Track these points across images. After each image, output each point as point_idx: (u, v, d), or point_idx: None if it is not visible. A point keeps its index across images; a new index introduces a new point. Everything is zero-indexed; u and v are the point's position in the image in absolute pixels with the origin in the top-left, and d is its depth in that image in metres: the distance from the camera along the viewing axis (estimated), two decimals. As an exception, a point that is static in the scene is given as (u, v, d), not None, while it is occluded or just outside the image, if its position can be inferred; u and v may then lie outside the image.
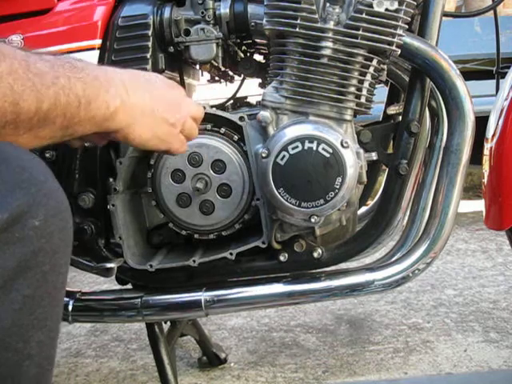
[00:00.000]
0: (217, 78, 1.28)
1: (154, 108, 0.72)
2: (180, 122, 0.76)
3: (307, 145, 0.88)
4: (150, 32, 1.01)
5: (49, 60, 0.60)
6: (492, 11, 1.18)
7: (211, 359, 1.34)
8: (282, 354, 1.39)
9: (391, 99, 1.21)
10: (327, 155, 0.88)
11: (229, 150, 0.97)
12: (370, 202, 1.30)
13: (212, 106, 1.01)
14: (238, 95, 1.24)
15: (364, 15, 0.87)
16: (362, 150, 0.93)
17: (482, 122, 1.06)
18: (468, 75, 1.19)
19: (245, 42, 1.09)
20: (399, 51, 0.91)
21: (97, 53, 1.01)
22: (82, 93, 0.62)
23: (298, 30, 0.88)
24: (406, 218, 1.07)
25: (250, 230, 1.00)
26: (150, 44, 1.01)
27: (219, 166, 0.96)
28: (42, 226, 0.48)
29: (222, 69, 1.14)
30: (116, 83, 0.67)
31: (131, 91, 0.69)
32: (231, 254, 0.97)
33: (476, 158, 1.05)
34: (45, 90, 0.57)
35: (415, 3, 0.91)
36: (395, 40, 0.89)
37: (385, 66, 0.99)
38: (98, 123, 0.65)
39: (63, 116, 0.60)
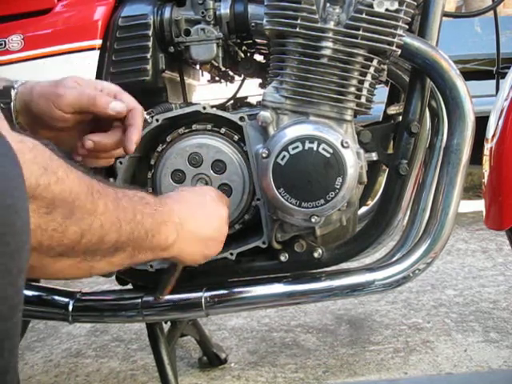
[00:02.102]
0: (217, 78, 1.28)
1: (206, 234, 0.81)
2: (225, 236, 0.85)
3: (307, 145, 0.88)
4: (150, 32, 1.01)
5: (129, 196, 0.68)
6: (492, 11, 1.19)
7: (211, 359, 1.34)
8: (282, 354, 1.39)
9: (391, 99, 1.20)
10: (327, 155, 0.88)
11: (229, 150, 0.97)
12: (370, 202, 1.30)
13: (212, 106, 1.01)
14: (239, 95, 1.25)
15: (364, 15, 0.87)
16: (362, 150, 0.93)
17: (481, 122, 1.06)
18: (468, 75, 1.19)
19: (245, 42, 1.10)
20: (399, 51, 0.91)
21: (97, 53, 1.01)
22: (150, 227, 0.69)
23: (298, 30, 0.88)
24: (406, 218, 1.07)
25: (250, 230, 1.00)
26: (150, 44, 1.01)
27: (219, 166, 0.96)
28: None
29: (223, 69, 1.14)
30: (173, 218, 0.75)
31: (186, 224, 0.77)
32: (232, 254, 0.97)
33: (476, 158, 1.05)
34: (125, 226, 0.64)
35: (415, 3, 0.91)
36: (395, 40, 0.89)
37: (385, 67, 0.99)
38: (157, 252, 0.73)
39: (133, 247, 0.67)
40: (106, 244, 0.62)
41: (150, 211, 0.71)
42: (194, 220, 0.79)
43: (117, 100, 0.80)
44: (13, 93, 0.79)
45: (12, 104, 0.78)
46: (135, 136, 0.79)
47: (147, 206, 0.71)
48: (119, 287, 1.09)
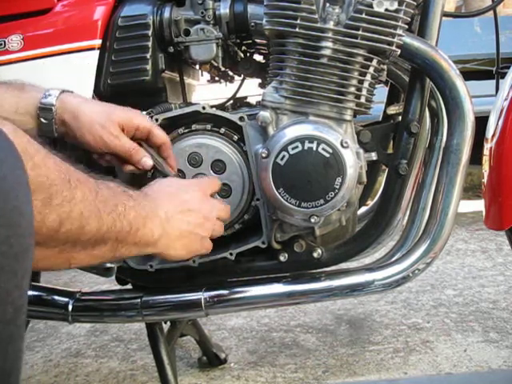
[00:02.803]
0: (217, 78, 1.28)
1: (190, 230, 0.82)
2: (210, 230, 0.86)
3: (307, 145, 0.88)
4: (149, 32, 1.01)
5: (110, 187, 0.69)
6: (492, 11, 1.19)
7: (211, 359, 1.34)
8: (281, 354, 1.39)
9: (391, 99, 1.21)
10: (327, 155, 0.88)
11: (229, 150, 0.97)
12: (370, 202, 1.30)
13: (212, 106, 1.01)
14: (238, 95, 1.24)
15: (364, 15, 0.87)
16: (361, 150, 0.93)
17: (482, 122, 1.06)
18: (468, 75, 1.19)
19: (245, 42, 1.09)
20: (399, 51, 0.91)
21: (97, 53, 1.01)
22: (133, 220, 0.70)
23: (297, 30, 0.88)
24: (406, 218, 1.07)
25: (250, 230, 1.00)
26: (149, 44, 1.01)
27: (219, 166, 0.96)
28: None
29: (222, 69, 1.14)
30: (159, 214, 0.76)
31: (172, 220, 0.78)
32: (231, 254, 0.97)
33: (476, 158, 1.05)
34: (106, 216, 0.65)
35: (415, 3, 0.91)
36: (395, 40, 0.89)
37: (385, 66, 0.99)
38: (142, 248, 0.74)
39: (115, 239, 0.68)
40: (86, 234, 0.62)
41: (133, 204, 0.71)
42: (179, 216, 0.80)
43: (147, 156, 0.89)
44: (53, 108, 0.84)
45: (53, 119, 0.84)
46: (174, 163, 0.93)
47: (130, 198, 0.71)
48: (119, 287, 1.09)
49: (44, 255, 0.59)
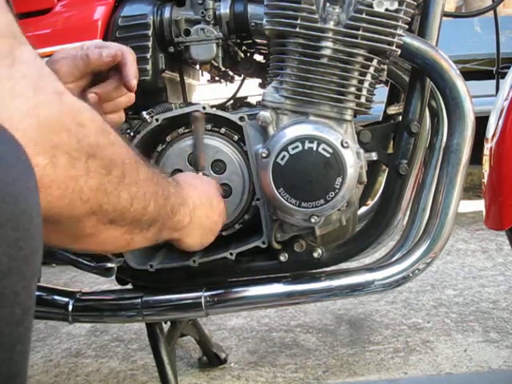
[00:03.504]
0: (217, 78, 1.28)
1: (208, 224, 0.85)
2: (219, 228, 0.90)
3: (307, 145, 0.88)
4: (150, 32, 1.01)
5: (156, 171, 0.71)
6: (492, 11, 1.19)
7: (211, 359, 1.34)
8: (282, 354, 1.39)
9: (391, 99, 1.20)
10: (327, 155, 0.88)
11: (229, 150, 0.97)
12: (370, 202, 1.30)
13: (212, 106, 1.01)
14: (238, 95, 1.24)
15: (364, 15, 0.87)
16: (362, 150, 0.93)
17: (482, 122, 1.06)
18: (468, 75, 1.19)
19: (245, 42, 1.09)
20: (399, 51, 0.91)
21: (97, 53, 1.00)
22: (174, 206, 0.73)
23: (298, 30, 0.88)
24: (406, 218, 1.07)
25: (250, 230, 1.00)
26: (150, 44, 1.01)
27: (219, 166, 0.96)
28: None
29: (222, 69, 1.14)
30: (189, 202, 0.79)
31: (197, 210, 0.81)
32: (231, 254, 0.97)
33: (476, 158, 1.05)
34: (159, 199, 0.68)
35: (415, 3, 0.91)
36: (395, 40, 0.89)
37: (385, 66, 0.99)
38: (173, 232, 0.77)
39: (162, 222, 0.71)
40: (146, 215, 0.65)
41: (173, 190, 0.74)
42: (202, 208, 0.82)
43: (104, 48, 0.82)
44: None
45: None
46: (131, 71, 0.82)
47: (170, 184, 0.74)
48: (119, 287, 1.09)
49: (113, 235, 0.61)
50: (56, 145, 0.50)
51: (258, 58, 1.17)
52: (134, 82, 0.82)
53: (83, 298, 1.06)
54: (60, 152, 0.50)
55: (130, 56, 0.84)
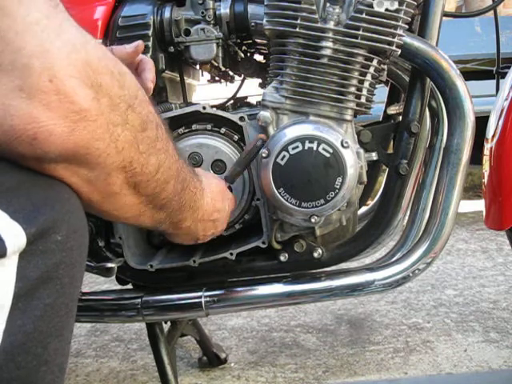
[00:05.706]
0: (217, 78, 1.28)
1: (212, 224, 0.84)
2: (221, 229, 0.89)
3: (307, 145, 0.88)
4: (150, 32, 1.01)
5: (189, 168, 0.73)
6: (492, 11, 1.19)
7: (211, 359, 1.34)
8: (282, 354, 1.39)
9: (391, 99, 1.21)
10: (327, 155, 0.88)
11: (229, 150, 0.97)
12: (370, 202, 1.30)
13: (212, 106, 1.01)
14: (238, 95, 1.24)
15: (364, 15, 0.87)
16: (362, 150, 0.93)
17: (482, 122, 1.06)
18: (468, 75, 1.19)
19: (245, 42, 1.09)
20: (399, 51, 0.91)
21: (97, 53, 1.00)
22: (189, 195, 0.73)
23: (298, 30, 0.88)
24: (406, 218, 1.07)
25: (250, 230, 1.00)
26: (150, 44, 1.01)
27: (219, 165, 0.96)
28: (64, 241, 0.50)
29: (223, 69, 1.14)
30: (204, 196, 0.79)
31: (207, 206, 0.80)
32: (231, 254, 0.97)
33: (476, 158, 1.05)
34: (180, 181, 0.68)
35: (415, 3, 0.91)
36: (395, 40, 0.89)
37: (385, 66, 0.99)
38: (182, 222, 0.76)
39: (173, 209, 0.70)
40: (163, 193, 0.64)
41: (191, 180, 0.74)
42: (211, 206, 0.82)
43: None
44: None
45: None
46: (150, 76, 0.88)
47: (189, 173, 0.74)
48: (119, 287, 1.09)
49: (131, 201, 0.61)
50: (100, 84, 0.51)
51: (258, 57, 1.17)
52: (151, 86, 0.86)
53: (83, 297, 1.06)
54: (103, 92, 0.51)
55: (149, 63, 0.90)
